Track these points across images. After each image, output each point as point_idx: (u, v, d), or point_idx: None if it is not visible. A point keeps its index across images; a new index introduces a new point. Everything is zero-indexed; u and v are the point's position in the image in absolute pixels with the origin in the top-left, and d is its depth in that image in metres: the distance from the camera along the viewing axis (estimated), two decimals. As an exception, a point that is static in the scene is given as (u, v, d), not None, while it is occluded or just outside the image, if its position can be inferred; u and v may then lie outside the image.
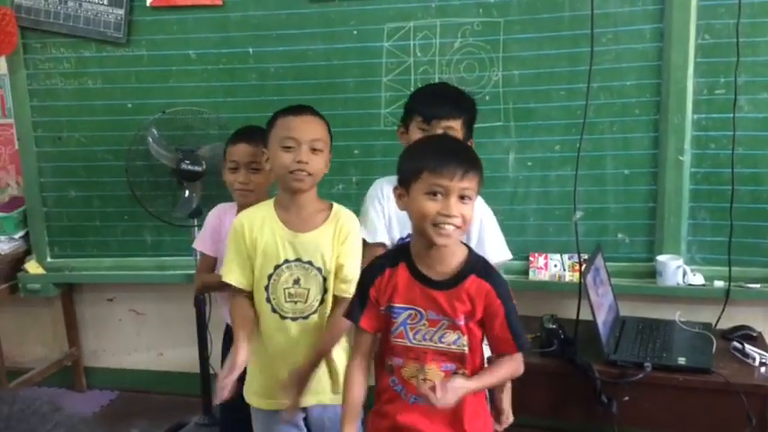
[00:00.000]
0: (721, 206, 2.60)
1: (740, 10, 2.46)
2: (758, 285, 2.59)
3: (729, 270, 2.57)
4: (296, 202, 1.86)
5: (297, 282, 1.85)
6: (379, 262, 1.65)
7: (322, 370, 1.89)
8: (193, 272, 2.94)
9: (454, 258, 1.56)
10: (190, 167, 2.79)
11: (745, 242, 2.61)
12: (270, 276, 1.86)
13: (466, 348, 1.56)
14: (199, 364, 2.96)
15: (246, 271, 1.88)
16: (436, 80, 2.76)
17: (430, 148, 1.58)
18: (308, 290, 1.86)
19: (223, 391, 1.73)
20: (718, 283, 2.62)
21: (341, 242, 1.88)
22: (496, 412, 1.91)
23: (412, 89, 2.77)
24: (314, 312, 1.86)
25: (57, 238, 3.20)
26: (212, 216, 2.37)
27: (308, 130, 1.82)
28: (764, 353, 2.24)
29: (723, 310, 2.57)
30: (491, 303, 1.54)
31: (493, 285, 1.55)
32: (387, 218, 2.05)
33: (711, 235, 2.66)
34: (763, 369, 2.20)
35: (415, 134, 1.94)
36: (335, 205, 1.94)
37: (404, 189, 1.54)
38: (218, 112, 2.89)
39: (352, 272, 1.85)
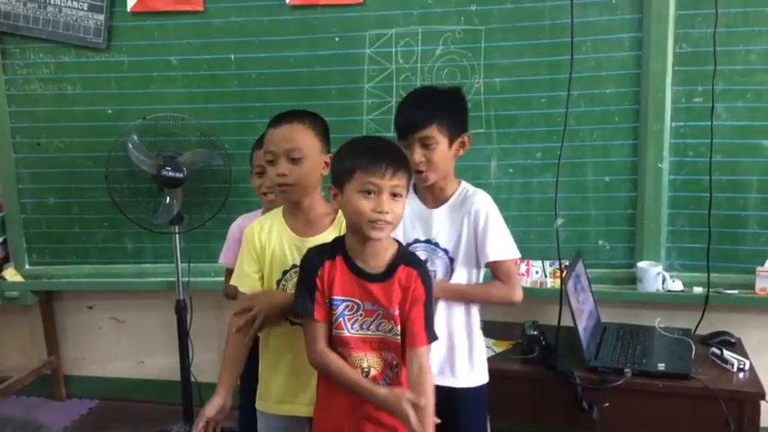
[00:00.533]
0: (699, 213, 2.63)
1: (717, 19, 2.50)
2: (736, 291, 2.62)
3: (708, 276, 2.60)
4: (300, 208, 1.84)
5: None
6: (317, 254, 1.67)
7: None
8: (173, 279, 2.94)
9: (386, 252, 1.64)
10: (171, 174, 2.77)
11: (723, 249, 2.64)
12: (279, 282, 1.84)
13: (398, 337, 1.63)
14: (180, 372, 2.94)
15: (255, 277, 1.86)
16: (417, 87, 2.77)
17: (361, 148, 1.62)
18: None
19: None
20: (697, 290, 2.65)
21: None
22: None
23: (394, 96, 2.79)
24: None
25: (35, 245, 3.16)
26: (234, 227, 2.42)
27: (282, 140, 1.77)
28: (743, 359, 2.26)
29: (702, 316, 2.59)
30: (416, 289, 1.62)
31: (419, 273, 1.63)
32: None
33: (690, 241, 2.69)
34: (741, 375, 2.22)
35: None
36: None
37: (338, 189, 1.61)
38: (199, 119, 2.88)
39: None
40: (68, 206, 3.09)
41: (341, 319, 1.63)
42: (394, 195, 1.57)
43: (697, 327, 2.58)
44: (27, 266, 3.16)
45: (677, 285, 2.66)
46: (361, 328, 1.63)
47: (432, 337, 1.64)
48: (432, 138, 1.88)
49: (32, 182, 3.10)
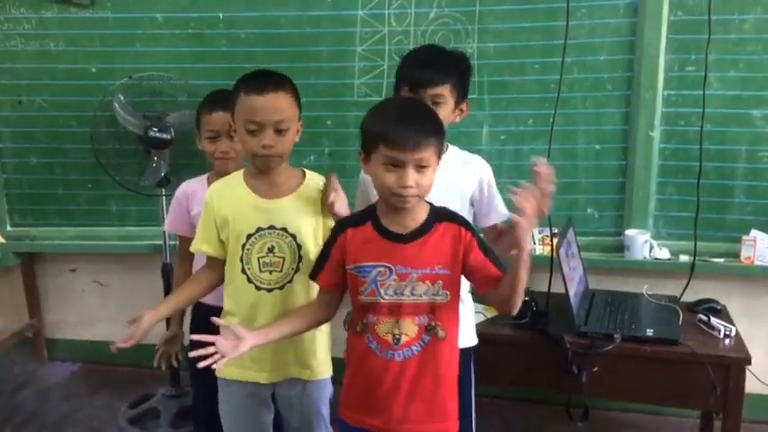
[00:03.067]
0: (688, 182, 2.65)
1: (712, -13, 2.49)
2: (722, 260, 2.66)
3: (695, 245, 2.63)
4: (267, 172, 1.82)
5: (271, 250, 1.82)
6: (342, 223, 1.67)
7: (296, 344, 1.87)
8: (160, 242, 2.90)
9: (419, 213, 1.60)
10: (158, 135, 2.72)
11: (710, 218, 2.67)
12: (243, 246, 1.82)
13: (438, 298, 1.59)
14: (166, 336, 2.92)
15: (214, 240, 1.85)
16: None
17: (386, 117, 1.56)
18: (283, 258, 1.82)
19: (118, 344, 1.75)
20: (684, 258, 2.68)
21: (321, 212, 1.86)
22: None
23: (386, 59, 2.76)
24: (289, 281, 1.84)
25: (17, 206, 3.11)
26: (180, 193, 2.23)
27: (272, 111, 1.73)
28: (729, 325, 2.30)
29: (688, 283, 2.62)
30: (463, 239, 1.58)
31: (460, 224, 1.60)
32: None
33: (678, 210, 2.71)
34: (727, 341, 2.26)
35: None
36: (308, 172, 1.90)
37: (366, 155, 1.58)
38: (186, 79, 2.82)
39: None
40: (51, 167, 3.03)
41: (373, 285, 1.58)
42: (419, 167, 1.51)
43: (682, 294, 2.61)
44: (8, 228, 3.12)
45: (664, 253, 2.69)
46: (395, 293, 1.58)
47: (501, 267, 1.60)
48: (443, 96, 1.84)
49: (13, 141, 3.03)
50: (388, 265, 1.58)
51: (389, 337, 1.59)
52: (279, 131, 1.74)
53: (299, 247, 1.82)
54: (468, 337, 2.00)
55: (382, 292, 1.58)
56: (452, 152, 1.96)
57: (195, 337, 1.59)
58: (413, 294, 1.58)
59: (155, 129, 2.71)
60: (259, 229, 1.81)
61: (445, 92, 1.84)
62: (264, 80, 1.76)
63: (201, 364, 1.53)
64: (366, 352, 1.62)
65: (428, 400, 1.62)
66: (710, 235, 2.68)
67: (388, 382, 1.61)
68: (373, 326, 1.60)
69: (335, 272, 1.64)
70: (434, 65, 1.87)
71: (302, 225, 1.83)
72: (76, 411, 3.02)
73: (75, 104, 2.94)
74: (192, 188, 2.20)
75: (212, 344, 1.55)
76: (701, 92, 2.57)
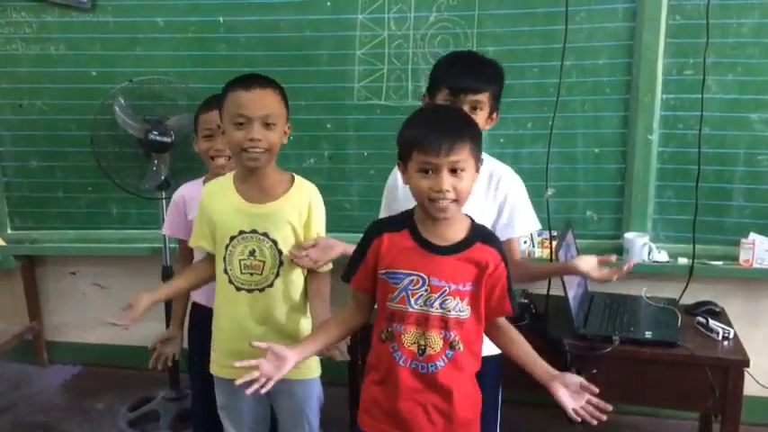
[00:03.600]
0: (687, 185, 2.66)
1: (711, -9, 2.50)
2: (720, 263, 2.66)
3: (693, 248, 2.64)
4: (254, 175, 1.84)
5: (252, 253, 1.85)
6: (379, 226, 1.64)
7: (284, 344, 1.87)
8: (161, 245, 2.90)
9: (458, 226, 1.58)
10: (158, 138, 2.73)
11: (708, 221, 2.68)
12: (226, 247, 1.85)
13: (463, 314, 1.57)
14: (166, 338, 2.93)
15: (209, 237, 1.90)
16: (410, 55, 2.76)
17: (418, 124, 1.55)
18: (264, 262, 1.85)
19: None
20: (682, 261, 2.69)
21: (305, 218, 1.87)
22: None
23: (386, 63, 2.77)
24: (269, 285, 1.86)
25: (17, 209, 3.11)
26: (177, 197, 2.25)
27: (259, 105, 1.76)
28: (727, 327, 2.30)
29: (686, 286, 2.63)
30: (497, 267, 1.57)
31: (498, 251, 1.59)
32: (400, 203, 1.93)
33: (676, 213, 2.72)
34: (726, 343, 2.26)
35: None
36: (297, 177, 1.92)
37: (403, 164, 1.56)
38: (186, 82, 2.83)
39: None
40: (52, 170, 3.04)
41: (404, 293, 1.56)
42: (454, 171, 1.49)
43: (681, 297, 2.62)
44: (9, 231, 3.12)
45: (663, 256, 2.70)
46: (425, 304, 1.56)
47: (516, 309, 1.63)
48: (482, 103, 1.83)
49: (14, 144, 3.04)
50: (421, 275, 1.56)
51: (415, 348, 1.58)
52: (266, 125, 1.77)
53: (280, 252, 1.84)
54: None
55: (412, 301, 1.56)
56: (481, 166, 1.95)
57: (240, 363, 1.55)
58: (441, 308, 1.56)
59: (155, 132, 2.72)
60: (241, 232, 1.84)
61: (484, 99, 1.83)
62: (251, 78, 1.80)
63: (249, 391, 1.52)
64: (390, 361, 1.60)
65: (449, 413, 1.61)
66: (709, 238, 2.69)
67: (410, 392, 1.60)
68: (400, 335, 1.58)
69: (369, 275, 1.62)
70: (477, 71, 1.85)
71: (284, 231, 1.85)
72: (76, 414, 3.02)
73: (75, 108, 2.95)
74: (189, 192, 2.22)
75: (256, 367, 1.54)
76: (700, 95, 2.57)
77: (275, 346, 1.58)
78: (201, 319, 2.14)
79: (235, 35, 2.85)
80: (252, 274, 1.85)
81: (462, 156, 1.49)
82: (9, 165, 3.06)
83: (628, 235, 2.71)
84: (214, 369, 1.98)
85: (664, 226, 2.76)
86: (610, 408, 1.55)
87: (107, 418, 2.98)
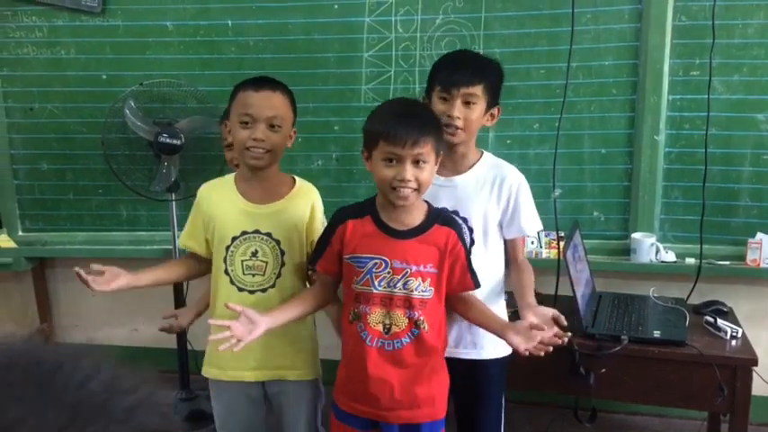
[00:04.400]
0: (694, 185, 2.67)
1: (716, -8, 2.52)
2: (728, 263, 2.67)
3: (701, 248, 2.64)
4: (256, 176, 1.87)
5: (255, 254, 1.86)
6: (343, 213, 1.74)
7: (281, 344, 1.89)
8: (170, 247, 2.92)
9: (417, 212, 1.69)
10: (168, 141, 2.75)
11: (715, 221, 2.69)
12: (228, 248, 1.86)
13: (426, 294, 1.67)
14: (176, 339, 2.95)
15: (200, 238, 1.91)
16: (417, 57, 2.78)
17: (385, 115, 1.64)
18: (266, 262, 1.86)
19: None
20: (690, 261, 2.70)
21: (308, 219, 1.90)
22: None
23: (393, 65, 2.79)
24: (272, 286, 1.87)
25: (28, 211, 3.13)
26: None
27: (266, 106, 1.79)
28: (735, 327, 2.31)
29: (694, 286, 2.64)
30: (455, 246, 1.67)
31: (457, 232, 1.69)
32: None
33: (683, 213, 2.73)
34: (734, 342, 2.27)
35: (437, 105, 1.86)
36: (298, 179, 1.94)
37: (368, 152, 1.65)
38: (195, 85, 2.85)
39: None
40: (62, 172, 3.07)
41: (368, 276, 1.66)
42: (417, 162, 1.59)
43: (689, 296, 2.63)
44: (20, 233, 3.14)
45: (670, 256, 2.71)
46: (389, 285, 1.66)
47: (477, 283, 1.72)
48: (476, 96, 1.84)
49: (25, 147, 3.06)
50: (384, 258, 1.66)
51: (380, 327, 1.68)
52: (271, 127, 1.79)
53: (283, 252, 1.86)
54: (506, 346, 1.85)
55: (376, 283, 1.66)
56: (484, 165, 1.95)
57: (212, 321, 1.69)
58: (404, 288, 1.66)
59: (165, 135, 2.75)
60: (244, 233, 1.85)
61: (478, 92, 1.84)
62: (262, 80, 1.84)
63: (222, 348, 1.60)
64: (357, 340, 1.70)
65: (415, 388, 1.70)
66: (716, 238, 2.69)
67: (377, 370, 1.68)
68: (366, 315, 1.68)
69: (333, 259, 1.72)
70: (468, 66, 1.88)
71: (287, 232, 1.87)
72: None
73: (86, 111, 2.97)
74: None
75: (227, 327, 1.61)
76: (706, 96, 2.58)
77: (248, 311, 1.66)
78: None
79: (243, 38, 2.87)
80: (254, 275, 1.87)
81: (426, 149, 1.59)
82: (20, 167, 3.09)
83: (635, 235, 2.72)
84: (210, 372, 1.97)
85: (671, 226, 2.77)
86: (565, 338, 1.66)
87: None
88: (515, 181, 1.94)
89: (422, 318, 1.67)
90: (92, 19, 2.91)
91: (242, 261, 1.86)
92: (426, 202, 1.73)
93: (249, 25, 2.86)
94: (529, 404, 2.92)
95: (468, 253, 1.73)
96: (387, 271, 1.66)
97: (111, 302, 3.36)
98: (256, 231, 1.86)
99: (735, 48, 2.59)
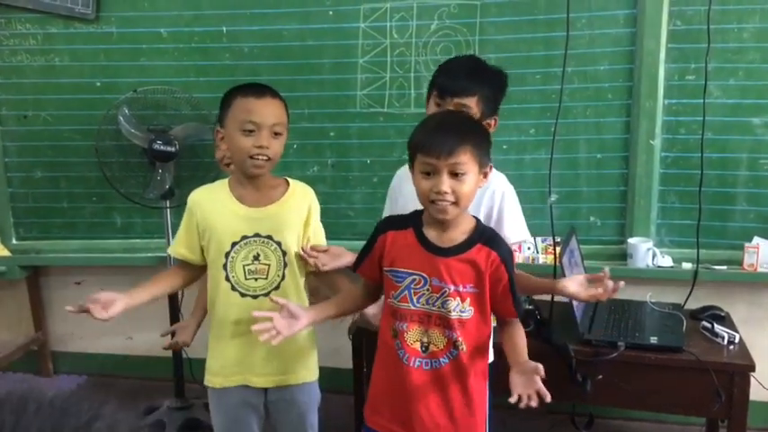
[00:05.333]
0: (690, 190, 2.66)
1: (711, -3, 2.51)
2: (725, 267, 2.66)
3: (698, 252, 2.63)
4: (253, 180, 1.86)
5: (257, 258, 1.85)
6: (386, 223, 1.69)
7: (284, 346, 1.87)
8: (165, 254, 2.91)
9: (462, 227, 1.61)
10: (162, 148, 2.74)
11: (712, 225, 2.68)
12: (227, 254, 1.85)
13: (465, 314, 1.59)
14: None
15: (194, 246, 1.89)
16: (412, 63, 2.77)
17: (425, 127, 1.59)
18: (269, 265, 1.85)
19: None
20: (687, 265, 2.69)
21: (305, 221, 1.90)
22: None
23: (388, 71, 2.78)
24: (275, 288, 1.86)
25: (22, 219, 3.12)
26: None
27: (270, 114, 1.79)
28: (733, 332, 2.30)
29: (691, 291, 2.63)
30: (496, 270, 1.58)
31: (499, 253, 1.59)
32: (400, 206, 1.93)
33: (680, 218, 2.72)
34: (731, 348, 2.26)
35: (432, 109, 1.86)
36: (291, 181, 1.94)
37: (411, 167, 1.59)
38: (190, 92, 2.84)
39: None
40: (56, 180, 3.05)
41: (406, 291, 1.60)
42: (455, 174, 1.51)
43: (686, 301, 2.62)
44: (14, 241, 3.13)
45: (667, 261, 2.70)
46: (427, 303, 1.59)
47: (520, 311, 1.64)
48: (468, 107, 1.81)
49: (19, 155, 3.05)
50: (423, 275, 1.59)
51: (418, 345, 1.61)
52: (274, 134, 1.80)
53: (284, 254, 1.85)
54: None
55: (414, 299, 1.60)
56: None
57: (257, 313, 1.64)
58: (443, 308, 1.59)
59: (159, 142, 2.74)
60: (244, 237, 1.84)
61: (471, 103, 1.82)
62: (261, 87, 1.83)
63: (263, 338, 1.58)
64: (394, 358, 1.64)
65: (452, 411, 1.63)
66: (713, 242, 2.68)
67: (414, 390, 1.62)
68: (403, 333, 1.62)
69: (374, 266, 1.68)
70: (466, 75, 1.85)
71: (287, 233, 1.87)
72: (81, 426, 3.01)
73: (80, 118, 2.96)
74: None
75: (270, 319, 1.60)
76: (702, 100, 2.58)
77: (290, 304, 1.64)
78: None
79: (238, 45, 2.86)
80: (257, 279, 1.85)
81: (462, 159, 1.51)
82: (14, 175, 3.08)
83: (631, 240, 2.71)
84: (209, 380, 1.94)
85: (667, 231, 2.76)
86: (548, 397, 1.55)
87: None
88: (499, 189, 1.91)
89: (460, 339, 1.60)
90: (86, 26, 2.90)
91: (244, 266, 1.85)
92: (476, 218, 1.65)
93: (244, 32, 2.85)
94: (525, 411, 2.90)
95: (512, 277, 1.61)
96: (426, 288, 1.59)
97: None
98: (256, 235, 1.85)
99: (730, 52, 2.58)
